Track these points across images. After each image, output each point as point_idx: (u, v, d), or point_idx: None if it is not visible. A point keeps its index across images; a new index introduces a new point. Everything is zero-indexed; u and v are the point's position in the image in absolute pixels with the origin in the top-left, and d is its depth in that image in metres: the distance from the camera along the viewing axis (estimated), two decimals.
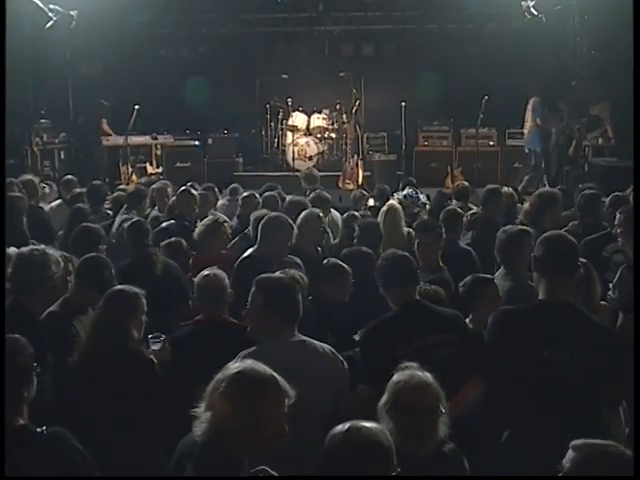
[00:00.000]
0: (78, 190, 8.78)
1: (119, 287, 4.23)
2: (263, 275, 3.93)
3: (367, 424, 2.60)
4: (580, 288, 4.47)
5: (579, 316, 3.66)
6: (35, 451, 2.78)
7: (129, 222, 6.49)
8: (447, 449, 3.08)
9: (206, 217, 6.80)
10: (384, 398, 3.07)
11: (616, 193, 6.85)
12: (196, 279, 4.63)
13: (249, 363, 2.70)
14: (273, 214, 6.01)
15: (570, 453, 2.57)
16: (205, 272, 4.57)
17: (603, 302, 4.95)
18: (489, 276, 4.95)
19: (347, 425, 2.58)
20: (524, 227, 5.49)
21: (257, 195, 8.02)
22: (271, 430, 2.59)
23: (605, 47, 12.25)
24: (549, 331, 3.55)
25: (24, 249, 4.42)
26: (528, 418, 3.50)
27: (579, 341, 3.54)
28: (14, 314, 4.03)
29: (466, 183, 9.62)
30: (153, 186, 8.79)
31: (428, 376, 3.09)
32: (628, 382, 3.57)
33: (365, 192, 9.77)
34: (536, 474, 3.25)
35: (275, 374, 2.66)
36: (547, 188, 7.56)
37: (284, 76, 14.28)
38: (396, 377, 3.09)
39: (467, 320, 4.45)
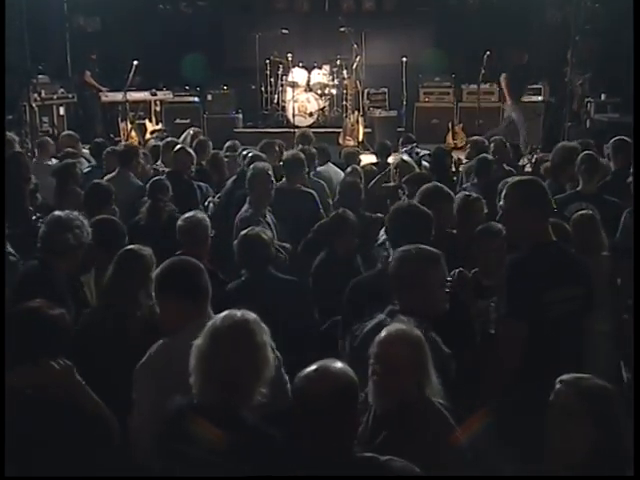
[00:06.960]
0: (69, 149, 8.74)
1: (128, 249, 4.12)
2: None
3: (335, 364, 2.55)
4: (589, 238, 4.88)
5: (569, 252, 3.91)
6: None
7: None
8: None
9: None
10: None
11: (586, 151, 6.68)
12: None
13: (217, 319, 2.76)
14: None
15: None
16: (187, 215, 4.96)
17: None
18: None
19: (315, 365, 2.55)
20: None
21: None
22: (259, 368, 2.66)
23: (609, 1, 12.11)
24: (559, 269, 3.66)
25: (60, 212, 4.42)
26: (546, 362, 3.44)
27: (577, 275, 3.74)
28: (42, 274, 4.13)
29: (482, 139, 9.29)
30: (160, 143, 8.97)
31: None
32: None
33: (358, 150, 9.66)
34: None
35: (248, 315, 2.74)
36: (566, 142, 7.51)
37: (284, 31, 14.04)
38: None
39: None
